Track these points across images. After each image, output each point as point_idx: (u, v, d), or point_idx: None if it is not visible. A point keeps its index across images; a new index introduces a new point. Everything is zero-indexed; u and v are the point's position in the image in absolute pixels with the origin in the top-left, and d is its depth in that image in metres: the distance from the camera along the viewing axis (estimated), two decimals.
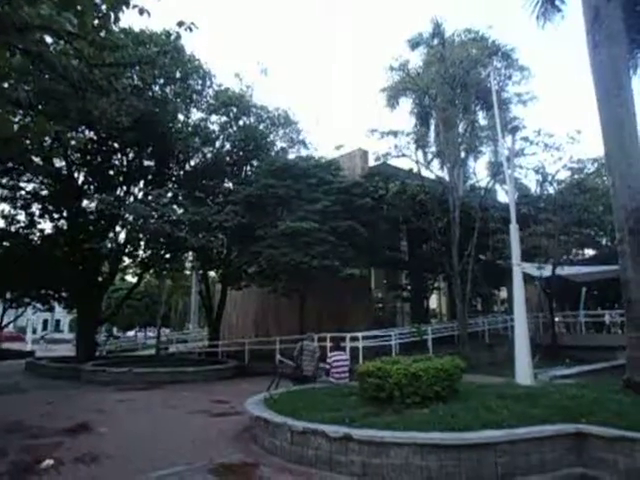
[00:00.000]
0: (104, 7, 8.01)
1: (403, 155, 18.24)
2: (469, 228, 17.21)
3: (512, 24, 24.01)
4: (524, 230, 17.38)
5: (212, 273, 25.97)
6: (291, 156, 21.49)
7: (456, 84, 17.55)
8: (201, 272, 24.34)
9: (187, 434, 7.92)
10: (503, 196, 22.07)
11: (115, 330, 47.70)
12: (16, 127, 13.15)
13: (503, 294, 26.80)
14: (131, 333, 46.83)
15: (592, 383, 8.50)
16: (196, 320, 37.80)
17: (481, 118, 19.93)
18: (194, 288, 33.69)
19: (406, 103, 20.60)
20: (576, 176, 21.49)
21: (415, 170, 18.97)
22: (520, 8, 12.99)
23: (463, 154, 19.18)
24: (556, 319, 21.01)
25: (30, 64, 10.31)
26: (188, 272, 28.43)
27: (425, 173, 19.22)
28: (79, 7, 7.93)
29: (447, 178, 18.27)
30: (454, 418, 5.69)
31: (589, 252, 28.08)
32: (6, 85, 11.62)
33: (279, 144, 22.22)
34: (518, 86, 18.77)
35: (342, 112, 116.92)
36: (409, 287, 22.09)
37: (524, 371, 9.17)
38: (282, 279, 17.63)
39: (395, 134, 17.97)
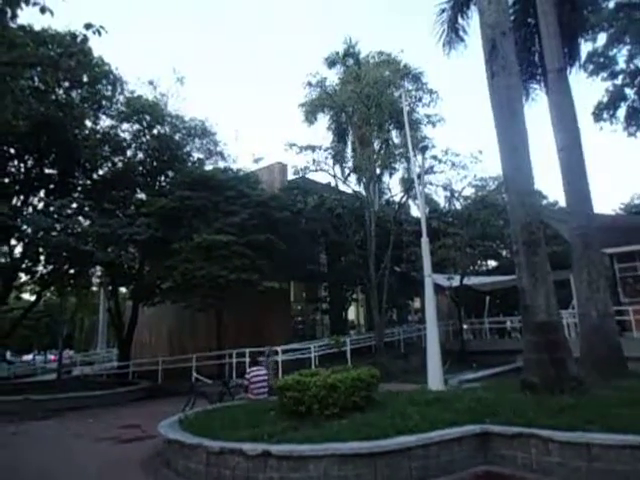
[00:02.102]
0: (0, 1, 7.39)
1: (321, 169, 18.67)
2: (385, 241, 17.91)
3: (423, 50, 25.62)
4: (435, 243, 18.46)
5: (123, 289, 24.49)
6: (208, 167, 21.01)
7: (371, 103, 18.33)
8: (110, 288, 22.83)
9: (92, 465, 7.30)
10: (415, 211, 23.32)
11: (9, 354, 43.19)
12: None
13: (417, 304, 28.11)
14: (29, 357, 42.61)
15: (495, 385, 9.12)
16: (104, 340, 35.29)
17: (395, 137, 20.98)
18: (102, 305, 31.48)
19: (324, 119, 21.17)
20: (479, 193, 23.30)
21: (333, 184, 19.44)
22: (428, 35, 13.91)
23: (378, 170, 20.02)
24: (464, 326, 22.41)
25: None
26: (96, 288, 26.53)
27: (343, 187, 19.80)
28: None
29: (364, 193, 18.92)
30: (371, 427, 5.80)
31: (492, 263, 30.44)
32: None
33: (196, 155, 21.68)
34: (428, 108, 20.03)
35: (261, 126, 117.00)
36: (328, 299, 22.41)
37: (436, 377, 9.63)
38: (198, 294, 17.06)
39: (313, 149, 18.33)
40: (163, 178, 21.07)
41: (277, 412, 7.28)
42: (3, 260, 17.92)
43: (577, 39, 13.67)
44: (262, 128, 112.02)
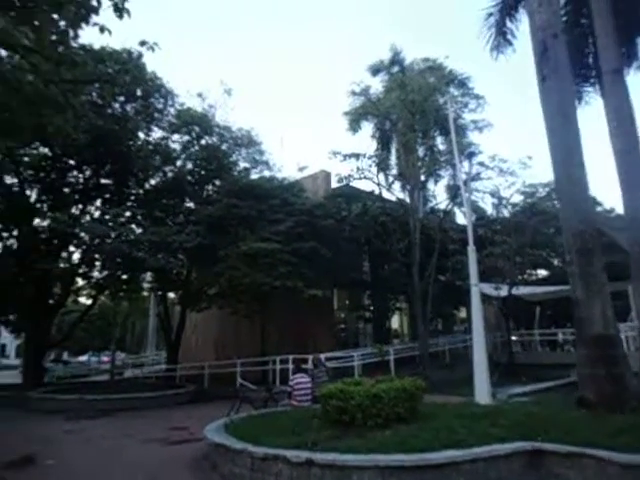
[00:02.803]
0: (63, 23, 7.90)
1: (365, 177, 18.62)
2: (429, 249, 17.62)
3: (468, 55, 25.18)
4: (481, 251, 17.97)
5: (171, 294, 25.30)
6: (254, 177, 21.46)
7: (415, 110, 18.17)
8: (160, 293, 23.65)
9: (141, 465, 7.55)
10: (461, 218, 22.84)
11: (66, 355, 45.45)
12: None
13: (463, 314, 27.41)
14: (83, 358, 44.67)
15: (547, 401, 8.75)
16: (154, 343, 36.52)
17: (440, 143, 20.68)
18: (152, 310, 32.63)
19: (368, 127, 21.15)
20: (528, 200, 22.52)
21: (377, 192, 19.35)
22: (475, 39, 13.68)
23: (423, 177, 19.77)
24: (513, 338, 21.63)
25: None
26: (146, 294, 27.54)
27: (387, 195, 19.68)
28: (36, 22, 7.79)
29: (408, 200, 18.73)
30: (416, 439, 5.70)
31: (542, 272, 29.26)
32: None
33: (242, 164, 22.17)
34: (474, 113, 19.65)
35: (306, 134, 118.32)
36: (371, 308, 22.25)
37: (483, 390, 9.33)
38: (243, 300, 17.37)
39: (357, 157, 18.35)
40: (210, 187, 21.68)
41: (320, 420, 7.28)
42: (63, 265, 18.94)
43: (635, 38, 13.03)
44: (306, 137, 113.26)
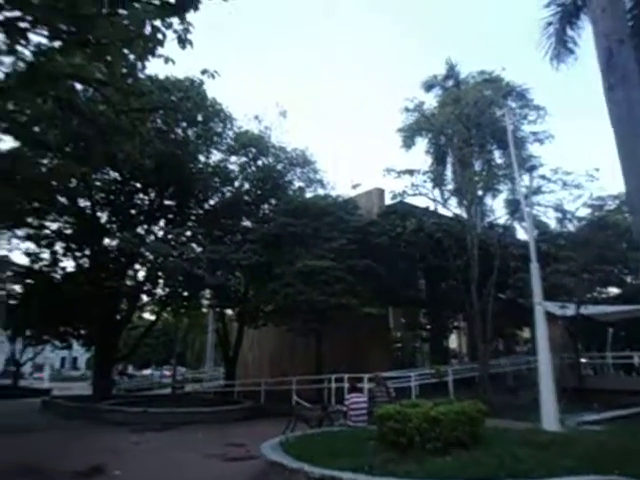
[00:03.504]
0: (132, 57, 8.48)
1: (420, 193, 18.39)
2: (488, 266, 17.01)
3: (527, 64, 24.47)
4: (545, 268, 17.10)
5: (229, 311, 25.94)
6: (308, 195, 21.80)
7: (471, 124, 17.80)
8: (218, 310, 24.34)
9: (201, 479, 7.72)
10: (522, 234, 21.89)
11: (131, 368, 47.54)
12: (45, 169, 13.75)
13: (526, 334, 26.10)
14: (147, 371, 46.56)
15: (623, 430, 8.11)
16: (212, 359, 37.49)
17: (497, 157, 20.07)
18: (211, 326, 33.59)
19: (422, 143, 20.93)
20: (597, 213, 21.23)
21: (432, 208, 19.02)
22: (534, 50, 13.29)
23: (480, 192, 19.21)
24: (582, 360, 20.28)
25: (60, 110, 10.85)
26: (205, 310, 28.43)
27: (442, 211, 19.29)
28: (109, 57, 8.42)
29: (465, 216, 18.26)
30: (478, 466, 5.45)
31: (614, 290, 27.33)
32: (37, 129, 12.24)
33: (297, 183, 22.61)
34: (534, 125, 18.93)
35: (359, 151, 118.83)
36: (428, 326, 21.70)
37: (550, 416, 8.80)
38: (299, 318, 17.52)
39: (411, 173, 18.17)
40: (267, 206, 22.24)
41: (377, 442, 7.14)
42: (129, 283, 19.98)
43: None
44: (360, 154, 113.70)
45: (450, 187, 19.93)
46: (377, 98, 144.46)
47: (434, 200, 18.82)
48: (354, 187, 22.27)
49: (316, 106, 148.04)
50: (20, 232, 19.06)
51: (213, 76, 9.41)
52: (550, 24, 12.90)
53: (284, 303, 16.83)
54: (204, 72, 9.39)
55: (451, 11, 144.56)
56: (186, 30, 7.67)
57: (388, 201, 20.55)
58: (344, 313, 16.48)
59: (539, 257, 11.06)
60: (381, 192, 21.33)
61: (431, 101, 20.76)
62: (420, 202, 19.84)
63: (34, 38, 8.30)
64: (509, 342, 25.59)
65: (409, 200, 19.25)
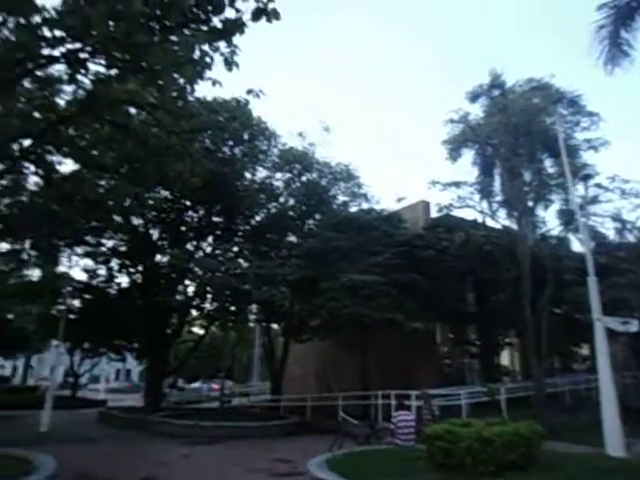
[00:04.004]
0: (182, 81, 8.88)
1: (467, 206, 17.98)
2: (541, 280, 16.30)
3: (577, 71, 23.64)
4: (603, 281, 16.18)
5: (275, 326, 26.17)
6: (353, 209, 21.81)
7: (520, 133, 17.30)
8: (264, 325, 24.62)
9: None
10: (578, 245, 20.89)
11: (181, 381, 48.64)
12: (102, 189, 14.52)
13: (584, 351, 24.71)
14: (196, 384, 47.50)
15: None
16: (259, 373, 37.82)
17: (549, 166, 19.32)
18: (257, 341, 33.96)
19: (468, 154, 20.50)
20: None
21: (480, 220, 18.54)
22: (584, 56, 12.82)
23: (531, 203, 18.55)
24: None
25: (116, 134, 11.47)
26: (252, 325, 28.82)
27: (491, 223, 18.74)
28: (161, 82, 8.85)
29: (515, 227, 17.66)
30: None
31: None
32: (95, 152, 12.98)
33: (341, 198, 22.70)
34: (587, 132, 18.15)
35: (404, 164, 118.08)
36: (478, 342, 20.99)
37: (614, 440, 8.23)
38: (344, 332, 17.42)
39: (458, 185, 17.84)
40: (311, 221, 22.43)
41: (425, 462, 6.94)
42: (179, 298, 20.60)
43: None
44: (404, 168, 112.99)
45: (498, 198, 19.37)
46: (422, 111, 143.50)
47: (482, 212, 18.35)
48: (399, 200, 22.10)
49: (360, 120, 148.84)
50: (79, 250, 20.14)
51: (258, 95, 9.67)
52: (603, 27, 12.43)
53: (329, 317, 16.80)
54: (249, 92, 9.68)
55: (496, 22, 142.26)
56: (232, 52, 7.94)
57: (434, 214, 20.24)
58: (390, 328, 16.24)
59: (597, 270, 10.54)
60: (426, 205, 21.04)
61: (477, 111, 20.36)
62: (467, 214, 19.40)
63: (92, 67, 8.87)
64: (566, 359, 24.29)
65: (456, 213, 18.89)
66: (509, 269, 17.38)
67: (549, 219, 21.30)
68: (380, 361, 18.89)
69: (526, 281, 16.22)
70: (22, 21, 7.96)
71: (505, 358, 23.24)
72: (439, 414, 11.00)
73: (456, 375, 20.55)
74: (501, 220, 18.66)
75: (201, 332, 26.52)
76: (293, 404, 21.32)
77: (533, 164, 18.44)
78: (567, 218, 18.03)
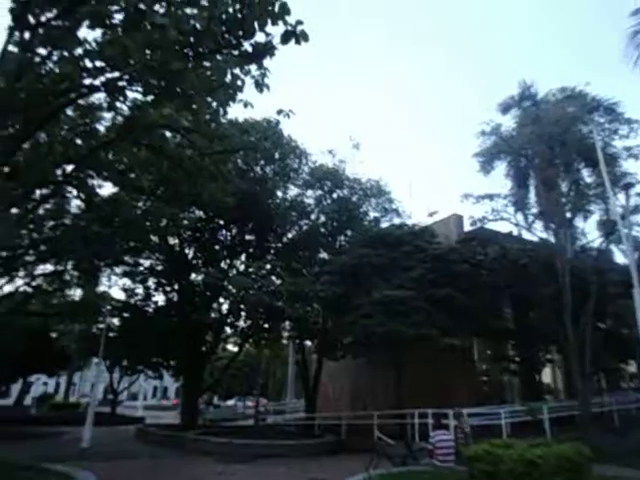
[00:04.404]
0: (215, 104, 9.16)
1: (501, 218, 17.63)
2: (583, 293, 15.71)
3: (612, 78, 23.02)
4: None
5: (309, 343, 26.11)
6: (384, 225, 21.72)
7: (554, 143, 16.92)
8: (298, 342, 24.60)
9: None
10: (621, 257, 20.07)
11: (216, 399, 48.97)
12: (139, 211, 15.02)
13: (632, 368, 23.53)
14: (231, 402, 47.71)
15: None
16: (293, 391, 37.69)
17: (586, 176, 18.75)
18: (291, 358, 33.95)
19: (501, 166, 20.16)
20: None
21: (515, 233, 18.11)
22: (618, 64, 12.52)
23: (569, 214, 18.01)
24: None
25: (152, 157, 11.88)
26: (285, 342, 28.85)
27: (527, 236, 18.27)
28: (195, 106, 9.15)
29: (552, 240, 17.15)
30: None
31: None
32: (132, 175, 13.48)
33: (372, 214, 22.67)
34: (627, 140, 17.56)
35: (434, 179, 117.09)
36: (517, 359, 20.30)
37: None
38: (378, 349, 17.20)
39: (491, 197, 17.54)
40: (342, 237, 22.44)
41: None
42: (214, 316, 20.89)
43: None
44: (435, 182, 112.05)
45: (534, 210, 18.89)
46: (452, 124, 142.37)
47: (517, 225, 17.93)
48: (431, 215, 21.91)
49: (390, 135, 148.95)
50: (118, 269, 20.78)
51: (288, 115, 9.86)
52: (637, 33, 12.16)
53: (362, 334, 16.64)
54: (280, 112, 9.88)
55: (526, 33, 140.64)
56: (263, 75, 8.17)
57: (467, 227, 19.91)
58: (425, 344, 15.94)
59: None
60: (459, 218, 20.73)
61: (508, 123, 20.06)
62: (502, 227, 18.98)
63: (130, 94, 9.28)
64: (612, 377, 23.16)
65: (490, 226, 18.50)
66: (548, 283, 16.83)
67: (589, 230, 20.54)
68: (416, 379, 18.51)
69: (566, 295, 15.66)
70: (66, 54, 8.43)
71: (547, 375, 22.37)
72: (476, 434, 10.64)
73: (495, 393, 19.90)
74: (538, 232, 18.18)
75: (235, 349, 26.72)
76: (328, 423, 21.09)
77: (570, 174, 17.96)
78: (608, 229, 17.39)
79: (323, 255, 22.15)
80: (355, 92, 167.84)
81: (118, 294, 23.16)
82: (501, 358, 20.37)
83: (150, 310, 22.22)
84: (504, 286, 18.64)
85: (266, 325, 20.71)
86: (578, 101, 18.29)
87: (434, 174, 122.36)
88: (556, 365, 21.90)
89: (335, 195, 21.93)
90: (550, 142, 16.95)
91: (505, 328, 19.28)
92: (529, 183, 19.81)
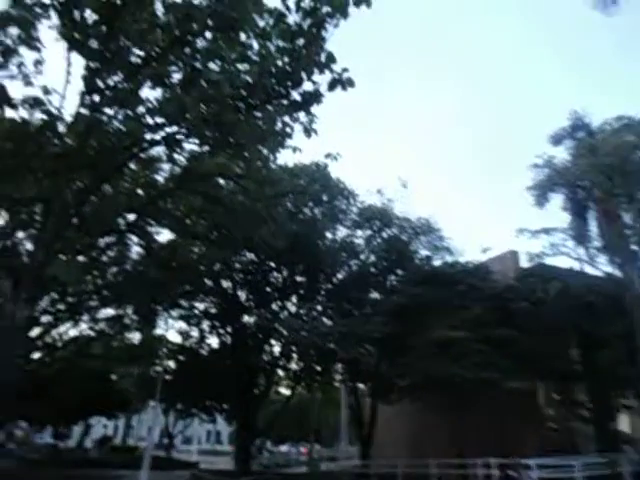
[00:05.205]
0: (265, 151, 9.57)
1: (561, 253, 16.87)
2: None
3: None
4: None
5: (362, 386, 25.46)
6: (436, 263, 21.28)
7: (614, 173, 16.22)
8: (351, 385, 24.05)
9: None
10: None
11: (269, 444, 48.24)
12: (195, 255, 15.61)
13: None
14: (284, 448, 46.82)
15: None
16: (347, 436, 36.54)
17: None
18: (344, 402, 33.12)
19: (557, 199, 19.50)
20: None
21: (577, 268, 17.23)
22: None
23: (635, 247, 16.99)
24: None
25: (207, 203, 12.44)
26: (338, 385, 28.29)
27: (590, 270, 17.31)
28: (246, 154, 9.60)
29: (619, 274, 16.15)
30: None
31: None
32: (188, 222, 14.12)
33: (423, 252, 22.32)
34: None
35: (486, 215, 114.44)
36: (589, 405, 18.79)
37: None
38: (434, 393, 16.49)
39: (548, 231, 16.95)
40: (393, 277, 22.15)
41: None
42: (266, 358, 20.92)
43: None
44: (486, 218, 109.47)
45: (596, 244, 17.98)
46: (499, 157, 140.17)
47: (579, 259, 17.08)
48: (484, 251, 21.25)
49: (438, 172, 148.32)
50: (174, 313, 21.44)
51: (336, 158, 10.11)
52: None
53: (418, 377, 16.05)
54: (327, 156, 10.16)
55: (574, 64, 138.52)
56: (311, 121, 8.49)
57: (524, 264, 19.13)
58: (485, 388, 15.13)
59: None
60: (515, 254, 20.01)
61: (562, 154, 19.54)
62: (562, 262, 18.14)
63: (187, 146, 9.88)
64: None
65: (548, 261, 17.74)
66: (617, 320, 15.72)
67: None
68: (477, 424, 17.50)
69: (638, 333, 14.54)
70: (129, 112, 9.16)
71: (624, 423, 20.48)
72: None
73: (565, 442, 18.35)
74: (602, 267, 17.21)
75: (288, 393, 26.47)
76: (384, 471, 20.16)
77: (633, 204, 17.07)
78: None
79: (374, 295, 21.87)
80: (399, 130, 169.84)
81: (174, 337, 23.81)
82: (570, 403, 18.93)
83: (204, 353, 22.59)
84: (568, 325, 17.57)
85: (318, 367, 20.49)
86: (636, 129, 17.60)
87: (485, 210, 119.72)
88: (635, 412, 20.06)
89: (384, 234, 21.84)
90: (609, 172, 16.28)
91: (572, 370, 18.01)
92: (588, 215, 18.99)
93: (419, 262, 21.61)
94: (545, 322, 17.00)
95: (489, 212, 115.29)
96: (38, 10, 8.51)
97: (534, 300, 17.05)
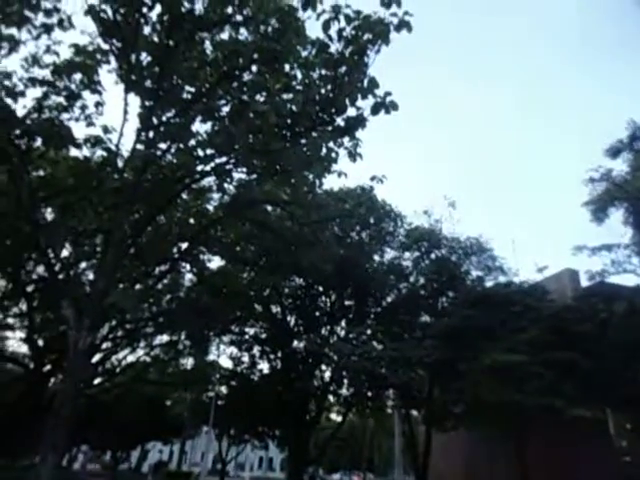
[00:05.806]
0: (311, 177, 9.73)
1: (625, 271, 15.92)
2: None
3: None
4: None
5: (415, 412, 24.68)
6: (488, 284, 20.57)
7: None
8: (403, 411, 23.37)
9: None
10: None
11: (321, 471, 47.41)
12: (245, 281, 15.91)
13: None
14: (336, 476, 45.84)
15: None
16: (401, 465, 35.31)
17: None
18: (397, 429, 32.15)
19: (616, 214, 18.53)
20: None
21: None
22: None
23: None
24: None
25: (256, 230, 12.73)
26: (390, 411, 27.56)
27: None
28: (293, 180, 9.80)
29: None
30: None
31: None
32: (237, 248, 14.48)
33: (474, 273, 21.66)
34: None
35: (539, 233, 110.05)
36: None
37: None
38: (491, 421, 15.70)
39: (609, 248, 16.08)
40: (444, 299, 21.58)
41: None
42: (316, 383, 20.76)
43: None
44: (540, 235, 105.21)
45: None
46: (552, 174, 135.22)
47: None
48: (540, 270, 20.35)
49: (487, 190, 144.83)
50: (225, 338, 21.81)
51: (381, 181, 10.11)
52: None
53: (473, 404, 15.38)
54: (373, 178, 10.18)
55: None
56: (355, 145, 8.58)
57: (583, 283, 18.16)
58: (547, 416, 14.25)
59: None
60: (573, 273, 19.02)
61: (620, 167, 18.64)
62: (627, 280, 17.09)
63: (235, 175, 10.22)
64: None
65: (611, 279, 16.76)
66: None
67: None
68: (540, 455, 16.47)
69: None
70: (182, 146, 9.63)
71: None
72: None
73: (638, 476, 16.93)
74: None
75: (339, 419, 26.05)
76: None
77: None
78: None
79: (424, 318, 21.35)
80: (448, 149, 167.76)
81: (226, 362, 24.15)
82: None
83: (255, 378, 22.73)
84: (638, 348, 16.39)
85: (369, 393, 20.09)
86: None
87: (539, 227, 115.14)
88: None
89: (433, 255, 21.42)
90: None
91: None
92: None
93: (471, 283, 20.97)
94: (611, 344, 15.94)
95: (539, 231, 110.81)
96: (99, 56, 9.22)
97: (598, 321, 16.06)
